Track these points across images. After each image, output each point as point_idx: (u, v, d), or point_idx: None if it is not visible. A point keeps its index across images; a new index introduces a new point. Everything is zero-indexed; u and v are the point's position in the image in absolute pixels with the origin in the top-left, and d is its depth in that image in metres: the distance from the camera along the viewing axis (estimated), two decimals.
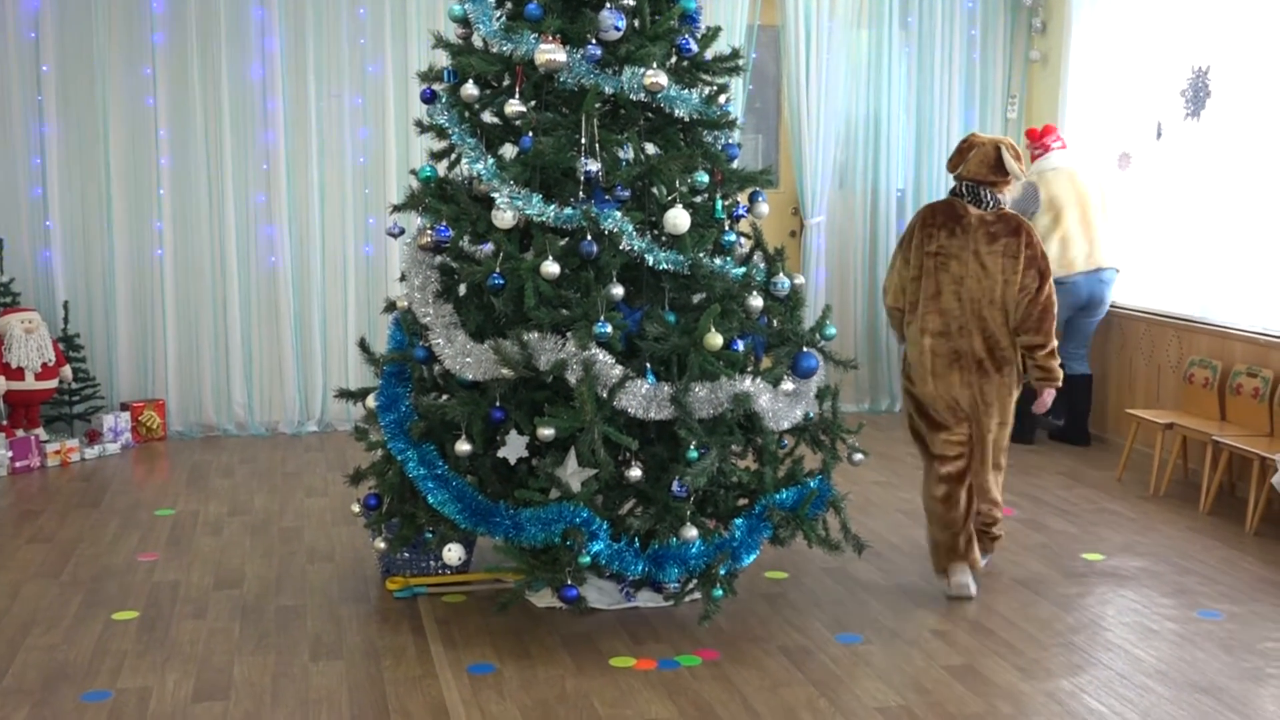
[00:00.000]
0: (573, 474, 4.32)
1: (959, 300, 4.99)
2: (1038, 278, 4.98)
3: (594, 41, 4.52)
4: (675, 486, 4.38)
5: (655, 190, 4.67)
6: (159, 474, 7.07)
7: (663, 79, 4.47)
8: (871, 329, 8.83)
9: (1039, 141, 7.74)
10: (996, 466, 5.26)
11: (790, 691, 4.15)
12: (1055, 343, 5.02)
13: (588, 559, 4.29)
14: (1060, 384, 5.08)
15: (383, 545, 4.88)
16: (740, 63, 4.90)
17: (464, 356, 4.53)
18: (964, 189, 5.10)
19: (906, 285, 5.11)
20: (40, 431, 7.25)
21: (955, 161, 5.19)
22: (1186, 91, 7.21)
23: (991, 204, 5.05)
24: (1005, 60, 8.84)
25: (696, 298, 4.68)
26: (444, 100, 4.77)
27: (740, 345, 4.55)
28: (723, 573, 4.45)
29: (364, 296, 8.11)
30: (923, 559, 5.49)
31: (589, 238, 4.40)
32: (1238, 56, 6.88)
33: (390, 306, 4.99)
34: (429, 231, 4.64)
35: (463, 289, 4.76)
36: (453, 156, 4.88)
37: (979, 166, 5.07)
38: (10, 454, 6.94)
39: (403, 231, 5.12)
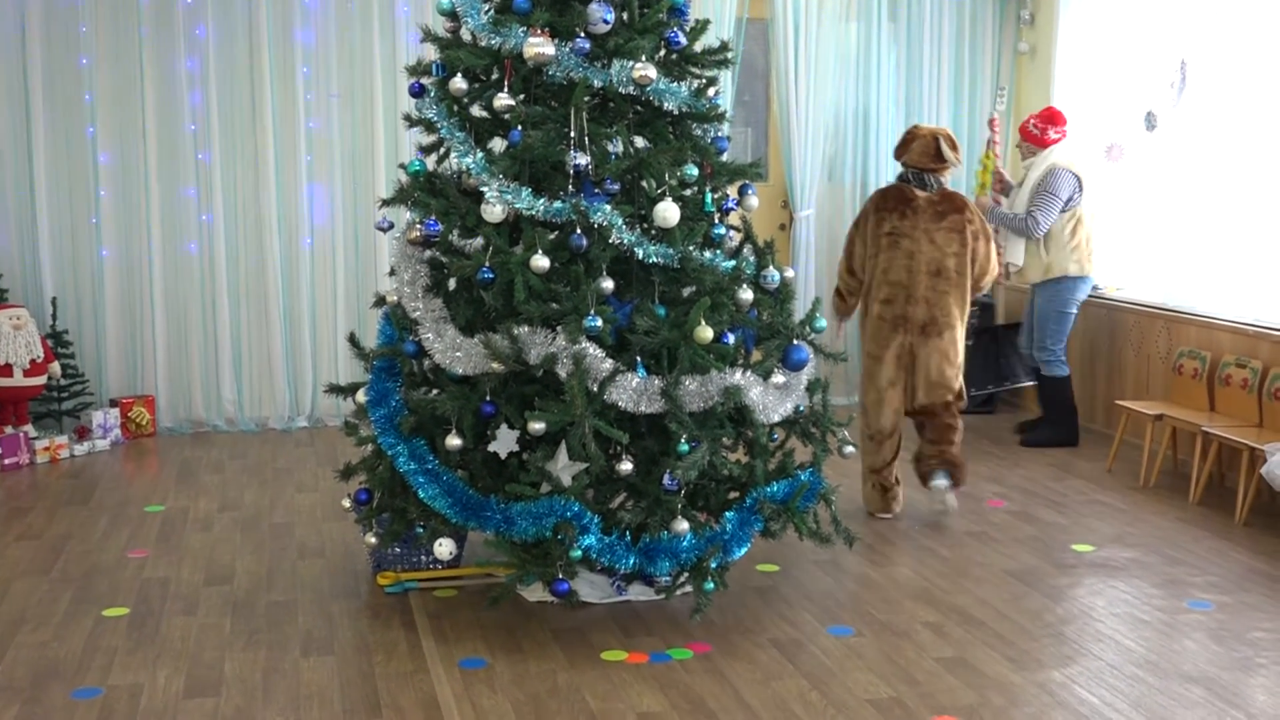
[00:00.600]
0: (563, 468, 4.31)
1: (909, 273, 5.70)
2: (986, 242, 5.78)
3: (582, 35, 4.51)
4: (666, 480, 4.37)
5: (645, 184, 4.67)
6: (149, 470, 7.05)
7: (652, 72, 4.46)
8: None
9: (1061, 127, 7.40)
10: (947, 425, 5.87)
11: (782, 684, 4.15)
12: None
13: (579, 553, 4.29)
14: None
15: (373, 540, 4.87)
16: (729, 56, 4.89)
17: (454, 351, 4.52)
18: (910, 175, 5.81)
19: (866, 262, 5.81)
20: (29, 428, 7.22)
21: (900, 151, 5.87)
22: (1176, 83, 7.20)
23: (934, 186, 5.77)
24: (994, 52, 8.84)
25: (686, 291, 4.68)
26: (432, 94, 4.75)
27: (730, 338, 4.55)
28: (714, 566, 4.45)
29: (353, 291, 8.09)
30: (916, 553, 5.50)
31: (578, 231, 4.39)
32: (1217, 47, 6.88)
33: (380, 301, 4.98)
34: (418, 226, 4.62)
35: (452, 283, 4.75)
36: (441, 150, 4.87)
37: (921, 156, 5.76)
38: None
39: (392, 226, 5.11)
